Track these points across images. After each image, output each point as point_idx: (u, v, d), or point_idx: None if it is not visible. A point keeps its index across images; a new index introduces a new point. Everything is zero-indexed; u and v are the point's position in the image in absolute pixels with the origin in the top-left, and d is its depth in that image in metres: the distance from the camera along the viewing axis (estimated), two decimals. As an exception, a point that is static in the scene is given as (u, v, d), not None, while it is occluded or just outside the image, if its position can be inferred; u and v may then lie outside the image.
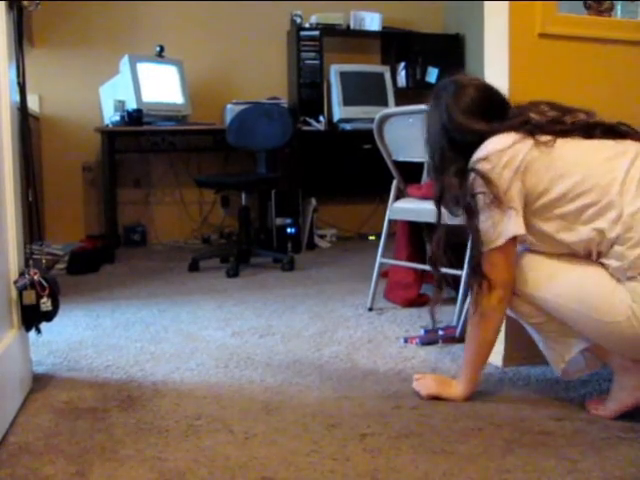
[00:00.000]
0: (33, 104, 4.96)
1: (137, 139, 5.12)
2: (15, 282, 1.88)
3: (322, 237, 5.29)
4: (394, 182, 3.03)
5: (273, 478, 1.49)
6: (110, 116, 4.72)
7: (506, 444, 1.65)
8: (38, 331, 1.97)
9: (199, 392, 2.05)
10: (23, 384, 1.96)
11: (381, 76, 5.36)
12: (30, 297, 1.86)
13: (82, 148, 5.12)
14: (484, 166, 1.77)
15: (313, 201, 5.03)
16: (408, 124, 2.83)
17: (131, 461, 1.59)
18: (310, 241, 5.06)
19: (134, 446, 1.67)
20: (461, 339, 2.43)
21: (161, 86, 4.90)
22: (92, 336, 2.70)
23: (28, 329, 1.94)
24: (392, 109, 2.87)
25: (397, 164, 3.02)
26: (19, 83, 1.96)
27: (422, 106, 2.76)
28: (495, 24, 2.25)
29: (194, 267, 4.20)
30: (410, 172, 3.11)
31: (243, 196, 4.32)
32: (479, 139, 1.82)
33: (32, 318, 1.91)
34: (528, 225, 1.78)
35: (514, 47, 2.18)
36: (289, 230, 4.87)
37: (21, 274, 1.91)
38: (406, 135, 2.89)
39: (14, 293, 1.89)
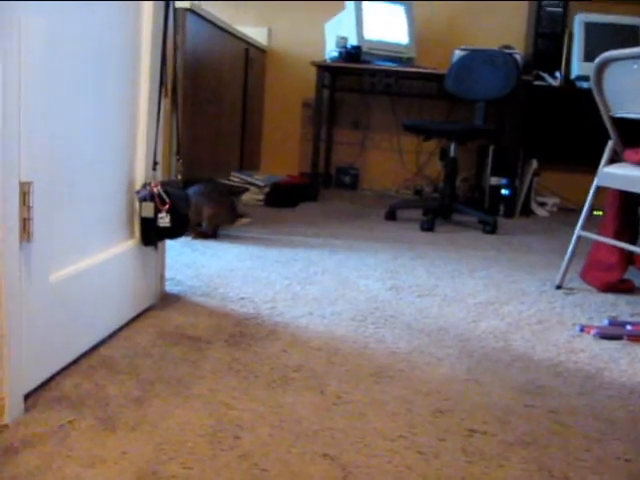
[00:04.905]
0: (262, 37, 4.98)
1: (357, 79, 4.95)
2: (137, 192, 1.78)
3: (541, 205, 4.78)
4: (609, 143, 2.54)
5: (335, 458, 1.24)
6: (329, 51, 4.58)
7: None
8: (155, 247, 1.87)
9: (317, 342, 1.83)
10: (137, 298, 1.87)
11: (635, 30, 4.61)
12: (148, 209, 1.75)
13: (304, 84, 5.07)
14: None
15: (535, 163, 4.52)
16: (633, 71, 2.32)
17: (197, 401, 1.42)
18: (526, 206, 4.58)
19: (211, 385, 1.50)
20: (650, 339, 1.96)
21: (386, 25, 4.63)
22: (247, 266, 2.59)
23: (147, 243, 1.83)
24: (616, 51, 2.34)
25: (617, 122, 2.51)
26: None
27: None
28: None
29: (391, 216, 4.00)
30: (632, 132, 2.59)
31: (452, 147, 3.97)
32: None
33: (150, 232, 1.80)
34: None
35: None
36: (503, 191, 4.44)
37: (144, 185, 1.79)
38: (630, 85, 2.38)
39: (137, 204, 1.79)
